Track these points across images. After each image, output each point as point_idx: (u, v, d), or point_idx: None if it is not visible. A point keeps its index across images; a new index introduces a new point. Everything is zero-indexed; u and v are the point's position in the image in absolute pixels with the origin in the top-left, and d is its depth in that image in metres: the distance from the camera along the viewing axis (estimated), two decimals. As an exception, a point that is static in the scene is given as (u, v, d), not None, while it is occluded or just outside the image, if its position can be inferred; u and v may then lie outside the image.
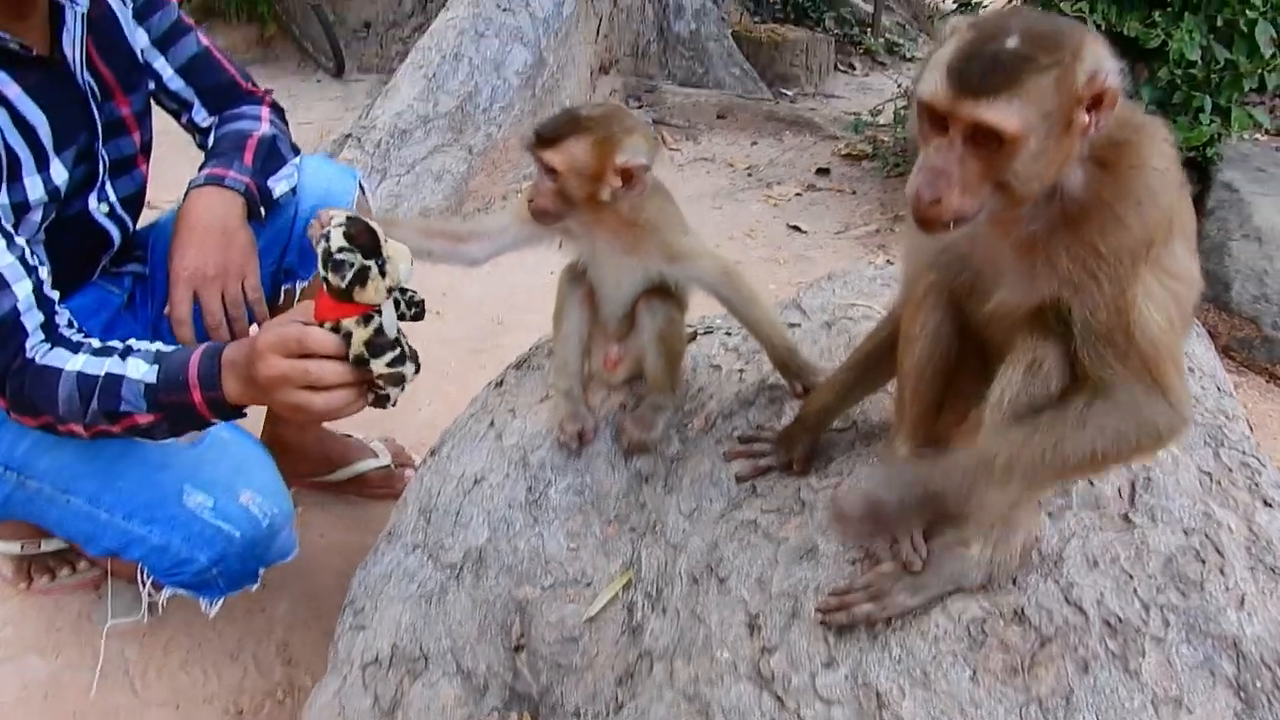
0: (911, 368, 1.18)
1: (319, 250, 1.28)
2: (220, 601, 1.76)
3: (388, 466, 2.51)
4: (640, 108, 5.41)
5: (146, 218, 1.98)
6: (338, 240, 1.27)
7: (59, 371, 1.46)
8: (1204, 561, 1.14)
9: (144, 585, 1.79)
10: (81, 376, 1.46)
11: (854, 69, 7.13)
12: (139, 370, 1.47)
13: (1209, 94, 3.58)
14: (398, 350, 1.32)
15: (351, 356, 1.30)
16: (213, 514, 1.63)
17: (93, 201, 1.73)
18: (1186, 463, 1.33)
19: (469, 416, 1.76)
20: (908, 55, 7.31)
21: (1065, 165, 0.97)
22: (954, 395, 1.18)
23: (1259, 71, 3.53)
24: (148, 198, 1.93)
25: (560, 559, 1.55)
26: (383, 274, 1.28)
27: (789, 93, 6.21)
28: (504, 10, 4.78)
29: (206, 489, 1.64)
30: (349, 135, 4.39)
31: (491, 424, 1.69)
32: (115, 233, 1.81)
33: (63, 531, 1.78)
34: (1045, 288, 1.01)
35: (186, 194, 1.79)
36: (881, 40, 7.22)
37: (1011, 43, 0.93)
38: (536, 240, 1.59)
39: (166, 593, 1.75)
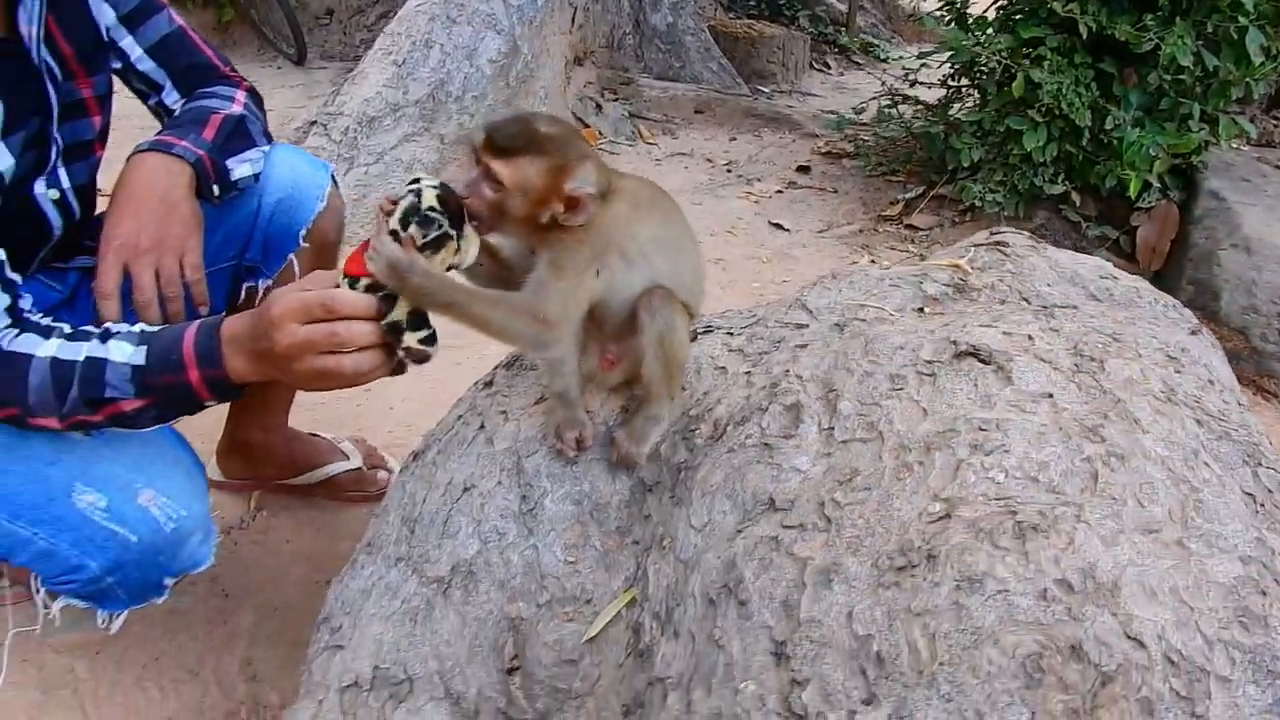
0: None
1: (402, 205, 1.23)
2: (122, 615, 1.61)
3: (359, 469, 2.38)
4: (616, 100, 5.29)
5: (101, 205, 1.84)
6: (431, 199, 1.23)
7: (29, 358, 1.34)
8: (1265, 594, 1.06)
9: (37, 593, 1.62)
10: (55, 363, 1.34)
11: (829, 68, 7.09)
12: (124, 353, 1.35)
13: (1196, 101, 3.56)
14: (431, 330, 1.28)
15: (388, 321, 1.25)
16: (106, 515, 1.47)
17: (39, 186, 1.57)
18: (1230, 483, 1.26)
19: (456, 419, 1.64)
20: (882, 56, 7.27)
21: None
22: None
23: (1246, 80, 3.51)
24: (100, 185, 1.78)
25: (557, 574, 1.43)
26: (456, 250, 1.25)
27: (766, 89, 6.14)
28: (477, -4, 4.65)
29: (100, 487, 1.47)
30: (314, 122, 4.23)
31: (482, 427, 1.57)
32: (58, 223, 1.65)
33: None
34: None
35: (129, 159, 1.63)
36: (857, 39, 7.17)
37: None
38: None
39: (60, 603, 1.59)
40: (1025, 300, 1.76)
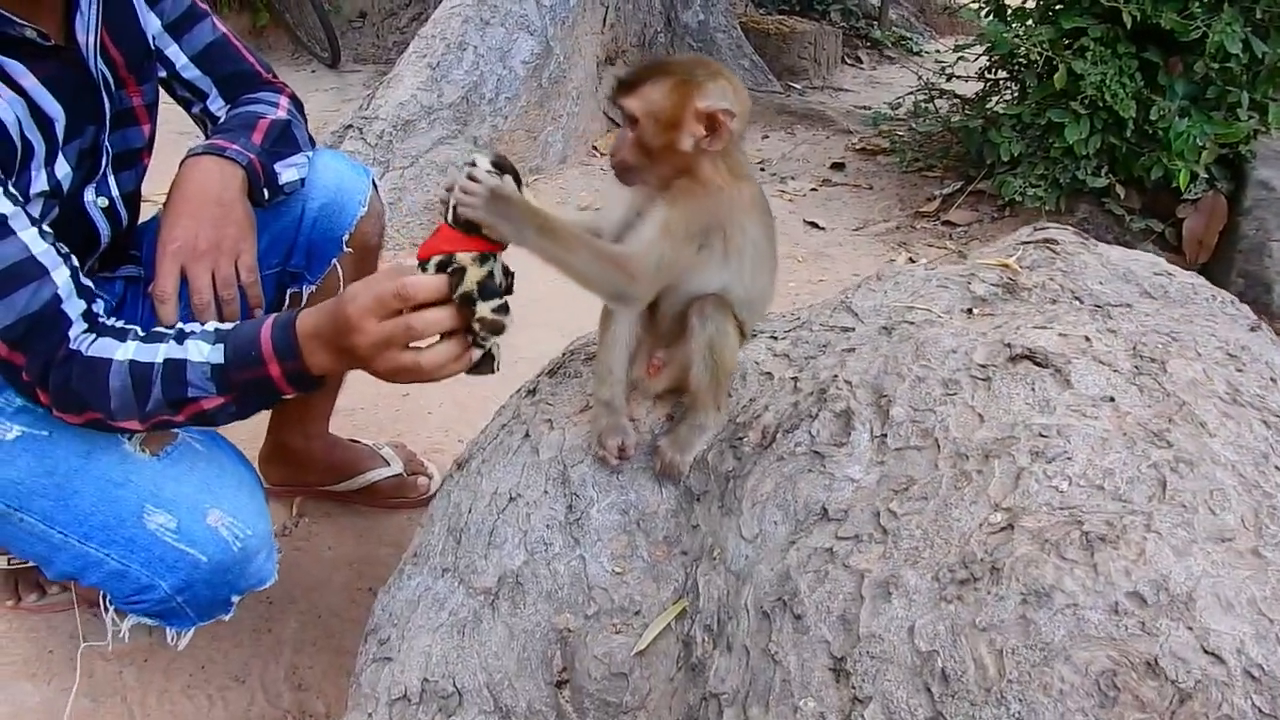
0: None
1: (462, 173, 1.25)
2: (190, 633, 1.62)
3: (400, 475, 2.38)
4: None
5: (144, 213, 1.84)
6: (485, 163, 1.24)
7: (109, 362, 1.36)
8: (1348, 603, 1.02)
9: (107, 612, 1.65)
10: (134, 365, 1.36)
11: (861, 62, 7.02)
12: (201, 352, 1.37)
13: (1244, 89, 3.47)
14: (504, 300, 1.29)
15: (459, 293, 1.26)
16: (176, 536, 1.49)
17: (89, 194, 1.59)
18: (1303, 487, 1.21)
19: (500, 428, 1.62)
20: (915, 49, 7.18)
21: None
22: None
23: (1296, 66, 3.42)
24: (144, 192, 1.79)
25: (604, 585, 1.42)
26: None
27: (797, 86, 6.08)
28: (510, -3, 4.64)
29: (169, 508, 1.49)
30: (349, 126, 4.25)
31: (526, 435, 1.56)
32: (106, 230, 1.66)
33: (17, 552, 1.64)
34: None
35: (182, 162, 1.64)
36: (890, 33, 7.09)
37: None
38: None
39: (130, 621, 1.61)
40: (1078, 299, 1.71)
